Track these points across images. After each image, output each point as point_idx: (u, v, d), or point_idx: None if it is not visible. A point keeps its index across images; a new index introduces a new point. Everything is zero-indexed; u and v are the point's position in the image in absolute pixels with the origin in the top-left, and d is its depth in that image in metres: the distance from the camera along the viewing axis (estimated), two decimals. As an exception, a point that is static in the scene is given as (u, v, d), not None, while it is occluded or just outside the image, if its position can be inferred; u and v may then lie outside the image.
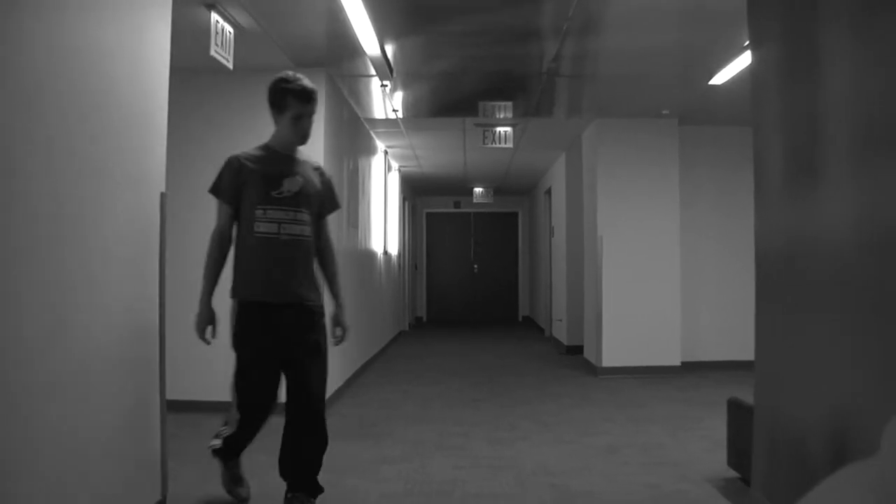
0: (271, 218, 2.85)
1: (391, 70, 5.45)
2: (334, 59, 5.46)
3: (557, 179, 9.94)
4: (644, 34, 4.79)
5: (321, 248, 3.05)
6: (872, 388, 2.19)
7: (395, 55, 5.30)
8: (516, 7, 4.41)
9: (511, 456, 4.12)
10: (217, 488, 3.26)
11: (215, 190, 2.95)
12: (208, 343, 2.91)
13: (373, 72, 5.55)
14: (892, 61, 2.13)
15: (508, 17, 4.59)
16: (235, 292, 2.90)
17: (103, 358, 2.57)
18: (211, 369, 4.81)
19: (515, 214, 14.43)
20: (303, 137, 2.98)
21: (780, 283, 2.96)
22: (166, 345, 3.08)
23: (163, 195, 3.05)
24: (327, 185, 3.11)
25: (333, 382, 5.43)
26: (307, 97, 2.91)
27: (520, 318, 14.23)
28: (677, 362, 7.16)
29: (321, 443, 3.03)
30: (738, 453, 3.51)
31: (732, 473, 3.62)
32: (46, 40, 2.22)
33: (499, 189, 12.79)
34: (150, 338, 2.97)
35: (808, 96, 2.68)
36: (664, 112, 7.01)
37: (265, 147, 3.02)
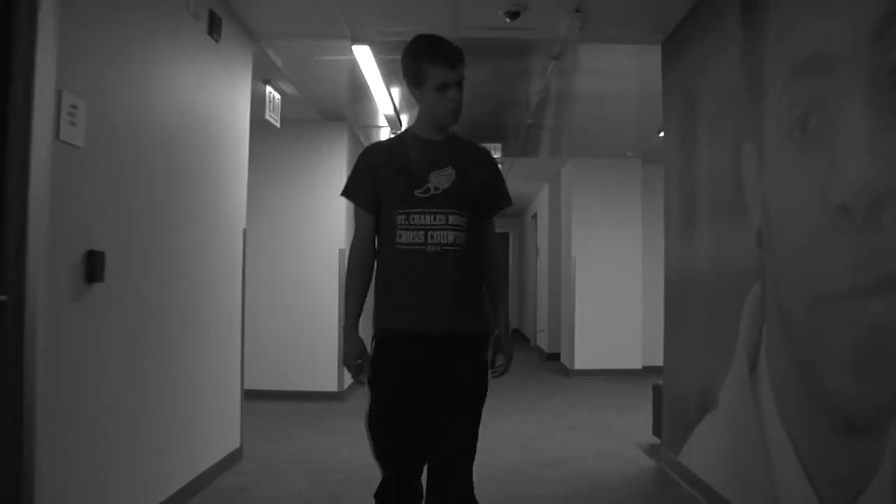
0: (416, 224, 2.19)
1: (400, 122, 6.72)
2: (354, 112, 6.71)
3: (542, 206, 11.22)
4: (608, 100, 6.07)
5: (483, 257, 2.34)
6: (718, 366, 3.44)
7: (400, 105, 6.54)
8: (501, 78, 5.67)
9: (492, 429, 5.33)
10: (275, 442, 4.46)
11: (348, 192, 2.35)
12: (362, 383, 2.27)
13: (384, 122, 6.81)
14: (725, 154, 3.39)
15: (495, 85, 5.85)
16: (375, 318, 2.28)
17: (213, 349, 3.81)
18: (254, 363, 6.04)
19: (507, 235, 15.66)
20: (453, 113, 2.26)
21: (676, 300, 4.23)
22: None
23: (244, 231, 4.28)
24: (492, 176, 2.36)
25: (346, 378, 6.57)
26: (450, 59, 2.21)
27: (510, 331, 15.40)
28: (639, 366, 8.40)
29: None
30: (658, 424, 4.74)
31: (655, 440, 4.86)
32: (176, 122, 3.48)
33: (491, 211, 13.95)
34: (235, 334, 4.21)
35: (691, 170, 3.96)
36: (629, 154, 8.30)
37: (406, 133, 2.37)
